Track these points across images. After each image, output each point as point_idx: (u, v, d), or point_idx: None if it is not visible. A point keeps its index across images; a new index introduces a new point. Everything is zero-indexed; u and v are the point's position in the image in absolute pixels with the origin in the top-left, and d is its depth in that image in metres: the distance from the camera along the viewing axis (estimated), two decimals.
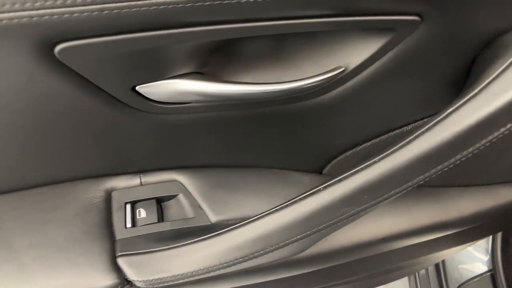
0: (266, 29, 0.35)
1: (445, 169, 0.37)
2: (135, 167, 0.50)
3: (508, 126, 0.35)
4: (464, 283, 1.20)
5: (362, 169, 0.37)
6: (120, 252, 0.44)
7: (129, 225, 0.48)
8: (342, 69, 0.40)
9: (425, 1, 0.34)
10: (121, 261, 0.44)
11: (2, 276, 0.41)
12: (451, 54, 0.41)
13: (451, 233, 0.62)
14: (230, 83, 0.39)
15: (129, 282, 0.44)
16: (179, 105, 0.41)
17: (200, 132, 0.46)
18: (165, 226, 0.48)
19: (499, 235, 1.14)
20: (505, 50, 0.36)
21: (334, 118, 0.47)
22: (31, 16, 0.28)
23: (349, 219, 0.40)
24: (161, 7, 0.29)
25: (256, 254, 0.41)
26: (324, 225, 0.39)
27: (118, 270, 0.44)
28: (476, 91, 0.34)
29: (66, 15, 0.28)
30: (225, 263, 0.42)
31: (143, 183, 0.51)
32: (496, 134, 0.35)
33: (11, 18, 0.28)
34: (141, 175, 0.51)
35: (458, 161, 0.37)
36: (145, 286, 0.44)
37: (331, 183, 0.38)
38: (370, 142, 0.52)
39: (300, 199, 0.39)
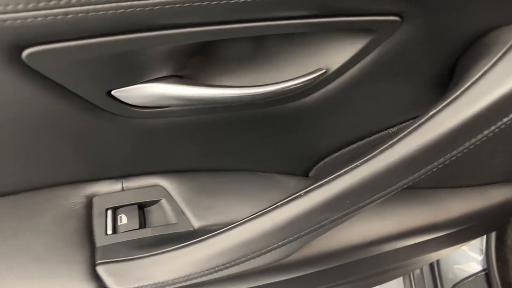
0: (244, 31, 0.34)
1: (429, 172, 0.36)
2: (116, 172, 0.49)
3: (492, 128, 0.34)
4: (458, 282, 1.19)
5: (343, 173, 0.36)
6: (100, 259, 0.43)
7: (110, 231, 0.47)
8: (324, 70, 0.39)
9: (404, 1, 0.33)
10: (100, 269, 0.43)
11: None
12: (434, 55, 0.40)
13: (441, 235, 0.61)
14: (209, 86, 0.38)
15: None
16: (158, 109, 0.40)
17: (181, 136, 0.45)
18: (146, 233, 0.47)
19: (493, 234, 1.13)
20: (488, 51, 0.35)
21: (317, 121, 0.46)
22: None
23: (331, 224, 0.39)
24: (129, 10, 0.28)
25: (237, 261, 0.40)
26: (305, 231, 0.39)
27: (97, 278, 0.43)
28: (458, 92, 0.34)
29: (29, 20, 0.27)
30: (206, 270, 0.41)
31: (125, 188, 0.50)
32: (480, 136, 0.34)
33: None
34: (123, 180, 0.50)
35: (442, 165, 0.36)
36: None
37: (312, 188, 0.37)
38: (356, 144, 0.51)
39: (281, 205, 0.38)
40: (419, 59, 0.40)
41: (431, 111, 0.35)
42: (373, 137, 0.50)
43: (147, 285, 0.42)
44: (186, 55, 0.37)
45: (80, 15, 0.27)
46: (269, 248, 0.39)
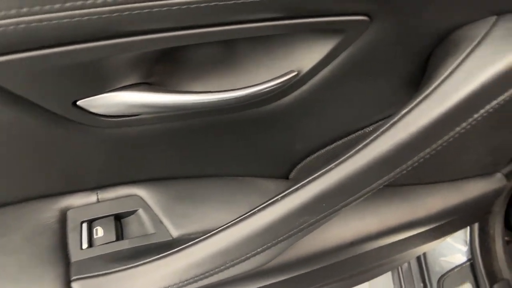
0: (212, 36, 0.33)
1: (404, 172, 0.36)
2: (90, 183, 0.48)
3: (464, 125, 0.35)
4: (444, 274, 1.21)
5: (318, 176, 0.35)
6: (75, 275, 0.42)
7: (85, 245, 0.45)
8: (295, 73, 0.38)
9: (371, 1, 0.33)
10: (76, 286, 0.41)
11: None
12: (404, 54, 0.40)
13: (423, 230, 0.62)
14: (178, 93, 0.37)
15: None
16: (128, 117, 0.39)
17: (155, 144, 0.44)
18: (124, 245, 0.46)
19: (476, 225, 1.15)
20: (456, 48, 0.35)
21: (292, 123, 0.46)
22: None
23: (310, 227, 0.39)
24: (85, 18, 0.27)
25: (216, 270, 0.39)
26: (284, 236, 0.38)
27: None
28: (428, 91, 0.34)
29: None
30: (186, 280, 0.40)
31: (100, 200, 0.48)
32: (452, 133, 0.35)
33: None
34: (98, 192, 0.48)
35: (416, 163, 0.36)
36: None
37: (288, 192, 0.37)
38: (333, 145, 0.51)
39: (258, 211, 0.37)
40: (390, 58, 0.40)
41: (403, 110, 0.35)
42: (350, 137, 0.50)
43: None
44: (152, 61, 0.36)
45: (32, 24, 0.26)
46: (248, 255, 0.39)
